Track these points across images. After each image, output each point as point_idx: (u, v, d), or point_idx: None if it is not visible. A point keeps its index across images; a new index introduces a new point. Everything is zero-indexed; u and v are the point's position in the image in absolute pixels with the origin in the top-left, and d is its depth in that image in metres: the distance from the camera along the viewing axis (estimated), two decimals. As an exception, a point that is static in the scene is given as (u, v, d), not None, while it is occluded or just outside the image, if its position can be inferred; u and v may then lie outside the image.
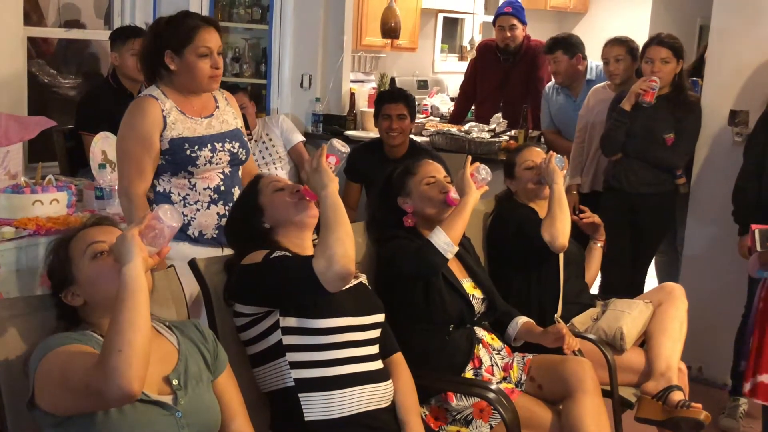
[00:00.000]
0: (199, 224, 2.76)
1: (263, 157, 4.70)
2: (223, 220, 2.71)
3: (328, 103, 5.49)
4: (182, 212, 2.73)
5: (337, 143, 2.18)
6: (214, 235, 2.77)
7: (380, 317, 2.27)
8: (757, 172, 3.52)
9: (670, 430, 2.85)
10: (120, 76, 4.08)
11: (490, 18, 5.85)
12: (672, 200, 4.07)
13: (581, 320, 3.10)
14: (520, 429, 2.36)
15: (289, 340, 2.10)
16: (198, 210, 2.76)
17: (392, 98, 4.27)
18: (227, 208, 2.76)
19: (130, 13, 4.99)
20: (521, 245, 3.00)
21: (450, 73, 7.78)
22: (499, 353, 2.64)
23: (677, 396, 2.82)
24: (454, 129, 5.05)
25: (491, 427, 2.44)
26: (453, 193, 2.64)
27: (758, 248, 2.88)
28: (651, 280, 4.52)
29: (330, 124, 5.41)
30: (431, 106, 6.43)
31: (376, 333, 2.24)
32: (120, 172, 2.73)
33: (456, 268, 2.69)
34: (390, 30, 5.90)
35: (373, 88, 5.96)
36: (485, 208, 3.23)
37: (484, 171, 2.69)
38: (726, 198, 3.70)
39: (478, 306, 2.66)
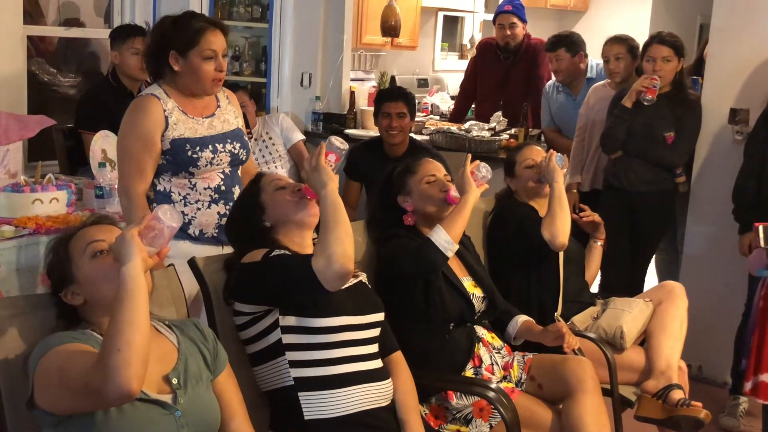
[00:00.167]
0: (199, 223, 2.75)
1: (263, 156, 4.70)
2: (224, 220, 2.71)
3: (328, 101, 5.49)
4: (183, 211, 2.73)
5: (336, 140, 2.17)
6: (215, 234, 2.77)
7: (380, 316, 2.26)
8: (758, 170, 3.52)
9: (671, 429, 2.85)
10: (120, 75, 4.08)
11: (491, 16, 5.85)
12: (672, 199, 4.06)
13: (581, 319, 3.10)
14: (519, 428, 2.36)
15: (288, 339, 2.10)
16: (198, 209, 2.75)
17: (392, 96, 4.27)
18: (228, 207, 2.75)
19: (130, 11, 4.99)
20: (521, 244, 2.99)
21: (450, 71, 7.78)
22: (499, 352, 2.64)
23: (677, 395, 2.82)
24: (454, 127, 5.05)
25: (491, 427, 2.44)
26: (453, 192, 2.64)
27: (762, 244, 2.88)
28: (651, 278, 4.52)
29: (330, 123, 5.40)
30: (431, 105, 6.43)
31: (375, 332, 2.24)
32: (120, 170, 2.72)
33: (456, 266, 2.69)
34: (390, 28, 5.90)
35: (373, 87, 5.96)
36: (485, 207, 3.23)
37: (484, 169, 2.69)
38: (726, 197, 3.69)
39: (479, 305, 2.66)
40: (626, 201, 4.02)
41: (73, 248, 1.81)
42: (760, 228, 2.89)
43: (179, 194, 2.74)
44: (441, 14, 7.67)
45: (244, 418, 1.93)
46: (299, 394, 2.08)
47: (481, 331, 2.64)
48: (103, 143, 3.52)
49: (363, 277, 2.33)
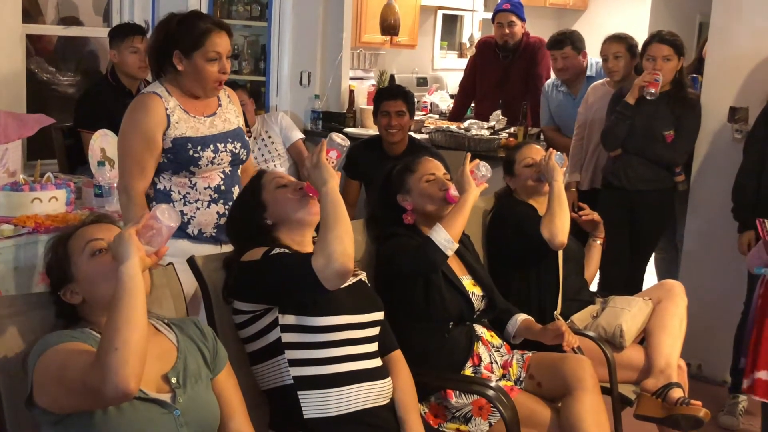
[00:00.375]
0: (198, 223, 2.75)
1: (262, 155, 4.70)
2: (223, 219, 2.71)
3: (328, 100, 5.49)
4: (182, 211, 2.72)
5: (337, 137, 2.17)
6: (213, 234, 2.77)
7: (379, 315, 2.26)
8: (757, 169, 3.53)
9: (670, 428, 2.85)
10: (119, 74, 4.08)
11: (490, 15, 5.85)
12: (671, 197, 4.07)
13: (581, 317, 3.10)
14: (519, 427, 2.36)
15: (288, 337, 2.09)
16: (198, 209, 2.75)
17: (391, 95, 4.26)
18: (227, 207, 2.75)
19: (128, 10, 4.99)
20: (521, 242, 2.99)
21: (449, 70, 7.78)
22: (498, 351, 2.64)
23: (677, 393, 2.82)
24: (453, 126, 5.05)
25: (490, 425, 2.44)
26: (453, 191, 2.64)
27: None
28: (651, 277, 4.52)
29: (329, 122, 5.40)
30: (430, 104, 6.43)
31: (375, 331, 2.24)
32: (121, 168, 2.72)
33: (456, 265, 2.69)
34: (389, 27, 5.90)
35: (373, 86, 5.95)
36: (485, 206, 3.23)
37: (484, 168, 2.69)
38: (725, 195, 3.70)
39: (478, 303, 2.66)
40: (625, 199, 4.01)
41: (72, 247, 1.81)
42: (767, 222, 2.90)
43: (179, 193, 2.74)
44: (440, 13, 7.67)
45: (243, 416, 1.93)
46: (299, 392, 2.08)
47: (480, 329, 2.64)
48: (102, 142, 3.52)
49: (362, 275, 2.33)
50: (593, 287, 3.53)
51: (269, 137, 4.75)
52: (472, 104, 5.74)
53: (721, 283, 4.00)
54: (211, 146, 2.71)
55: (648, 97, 3.82)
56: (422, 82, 7.19)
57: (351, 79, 5.68)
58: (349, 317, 2.15)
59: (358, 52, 6.38)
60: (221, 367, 1.92)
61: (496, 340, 2.67)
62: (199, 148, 2.68)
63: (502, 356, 2.63)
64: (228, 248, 2.43)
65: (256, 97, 5.34)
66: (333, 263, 1.97)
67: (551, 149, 3.11)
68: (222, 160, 2.75)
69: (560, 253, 3.05)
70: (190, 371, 1.81)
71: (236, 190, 2.80)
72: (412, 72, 7.21)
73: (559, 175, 2.99)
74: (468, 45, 7.85)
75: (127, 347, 1.56)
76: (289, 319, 2.09)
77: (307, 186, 2.19)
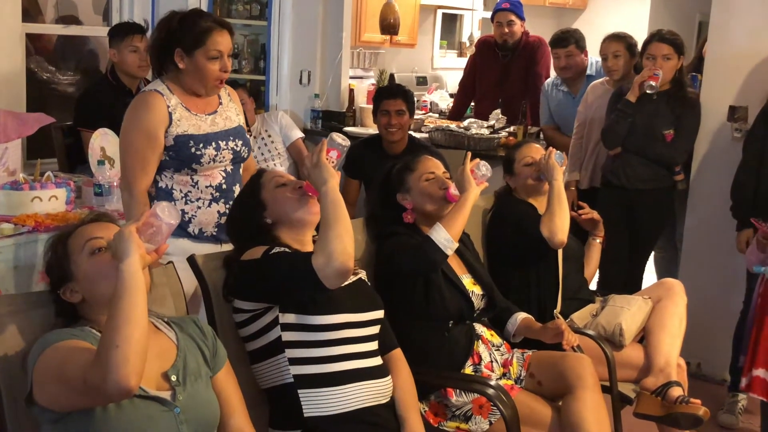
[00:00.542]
0: (199, 222, 2.76)
1: (262, 154, 4.70)
2: (223, 219, 2.71)
3: (327, 99, 5.49)
4: (183, 209, 2.73)
5: (337, 137, 2.17)
6: (214, 233, 2.77)
7: (379, 314, 2.26)
8: (756, 167, 3.53)
9: (670, 426, 2.85)
10: (118, 73, 4.07)
11: (489, 14, 5.85)
12: (670, 196, 4.07)
13: (580, 316, 3.10)
14: (519, 425, 2.36)
15: (288, 336, 2.10)
16: (199, 208, 2.76)
17: (391, 94, 4.26)
18: (227, 206, 2.75)
19: (128, 9, 4.99)
20: (520, 241, 2.99)
21: (449, 69, 7.78)
22: (498, 349, 2.64)
23: (676, 392, 2.82)
24: (453, 125, 5.05)
25: (490, 423, 2.44)
26: (453, 189, 2.64)
27: None
28: (650, 276, 4.52)
29: (329, 121, 5.40)
30: (430, 103, 6.43)
31: (375, 329, 2.24)
32: (123, 166, 2.72)
33: (455, 264, 2.69)
34: (389, 26, 5.90)
35: (372, 85, 5.96)
36: (484, 205, 3.23)
37: (484, 167, 2.69)
38: (725, 194, 3.70)
39: (478, 302, 2.66)
40: (624, 198, 4.02)
41: (72, 246, 1.81)
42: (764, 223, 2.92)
43: (181, 191, 2.74)
44: (440, 12, 7.68)
45: (243, 415, 1.93)
46: (299, 391, 2.08)
47: (480, 328, 2.65)
48: (102, 141, 3.51)
49: (362, 274, 2.33)
50: (593, 286, 3.53)
51: (269, 136, 4.76)
52: (472, 103, 5.74)
53: (721, 282, 4.01)
54: (213, 144, 2.72)
55: (648, 91, 3.82)
56: (422, 81, 7.19)
57: (351, 78, 5.68)
58: (349, 316, 2.15)
59: (358, 51, 6.38)
60: (221, 366, 1.92)
61: (496, 339, 2.67)
62: (201, 145, 2.69)
63: (502, 355, 2.63)
64: (228, 247, 2.43)
65: (256, 96, 5.35)
66: (333, 262, 1.97)
67: (551, 148, 3.11)
68: (224, 157, 2.75)
69: (560, 252, 3.05)
70: (189, 369, 1.81)
71: (237, 189, 2.80)
72: (411, 71, 7.21)
73: (558, 174, 2.99)
74: (468, 44, 7.85)
75: (128, 344, 1.56)
76: (290, 318, 2.09)
77: (307, 185, 2.19)
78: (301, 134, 4.86)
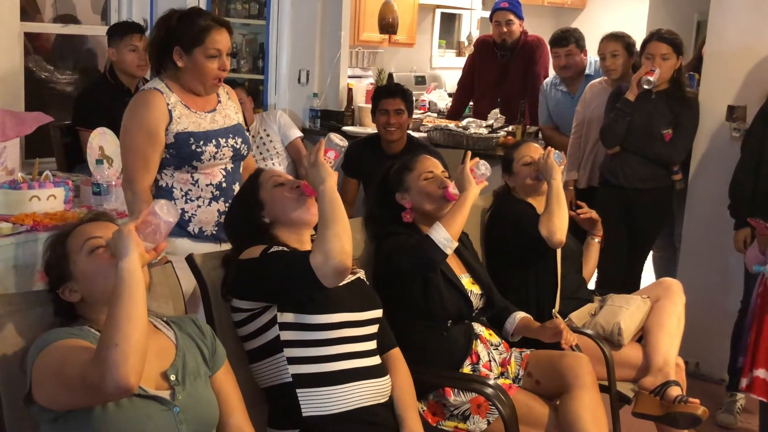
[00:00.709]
0: (199, 221, 2.76)
1: (261, 153, 4.70)
2: (223, 218, 2.71)
3: (326, 98, 5.49)
4: (183, 208, 2.73)
5: (335, 137, 2.17)
6: (214, 232, 2.78)
7: (378, 313, 2.26)
8: (754, 166, 3.53)
9: (668, 426, 2.85)
10: (117, 72, 4.07)
11: (488, 13, 5.85)
12: (668, 196, 4.07)
13: (579, 315, 3.11)
14: (517, 424, 2.36)
15: (286, 335, 2.10)
16: (199, 206, 2.76)
17: (389, 93, 4.27)
18: (227, 205, 2.75)
19: (127, 8, 4.99)
20: (519, 241, 2.99)
21: (448, 68, 7.78)
22: (496, 349, 2.64)
23: (675, 391, 2.83)
24: (451, 125, 5.05)
25: (489, 423, 2.44)
26: (452, 188, 2.64)
27: None
28: (649, 275, 4.53)
29: (327, 120, 5.40)
30: (429, 102, 6.43)
31: (373, 329, 2.24)
32: (125, 165, 2.72)
33: (454, 263, 2.69)
34: (388, 25, 5.90)
35: (371, 84, 5.96)
36: (483, 204, 3.23)
37: (483, 166, 2.69)
38: (723, 193, 3.70)
39: (476, 302, 2.66)
40: (623, 198, 4.02)
41: (71, 245, 1.81)
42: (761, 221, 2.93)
43: (181, 190, 2.74)
44: (438, 11, 7.68)
45: (242, 414, 1.93)
46: (297, 390, 2.08)
47: (478, 328, 2.65)
48: (100, 140, 3.51)
49: (361, 273, 2.33)
50: (591, 285, 3.53)
51: (267, 135, 4.75)
52: (471, 103, 5.75)
53: (719, 282, 4.01)
54: (213, 141, 2.72)
55: (645, 86, 3.81)
56: (420, 80, 7.19)
57: (349, 77, 5.68)
58: (348, 315, 2.15)
59: (357, 50, 6.38)
60: (220, 365, 1.93)
61: (495, 338, 2.67)
62: (201, 142, 2.69)
63: (501, 354, 2.64)
64: (228, 247, 2.43)
65: (255, 95, 5.35)
66: (331, 261, 1.97)
67: (550, 148, 3.11)
68: (224, 155, 2.75)
69: (558, 252, 3.05)
70: (189, 369, 1.81)
71: (237, 188, 2.80)
72: (410, 70, 7.21)
73: (557, 174, 2.99)
74: (466, 43, 7.85)
75: (128, 343, 1.56)
76: (288, 317, 2.09)
77: (304, 185, 2.19)
78: (299, 133, 4.86)
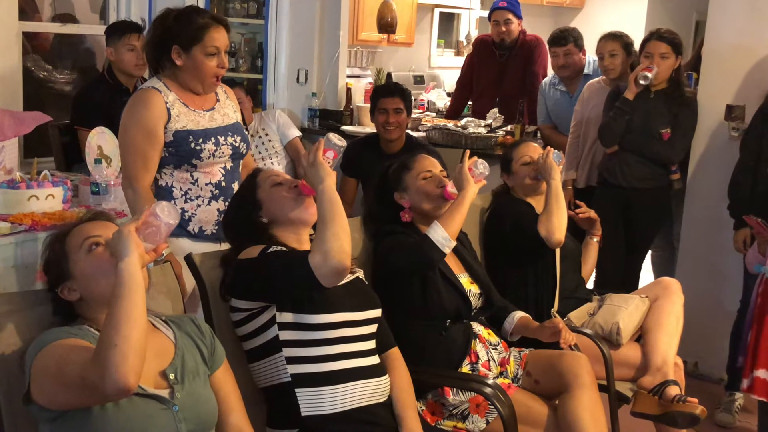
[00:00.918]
0: (199, 220, 2.76)
1: (259, 152, 4.70)
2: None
3: (325, 98, 5.49)
4: (183, 208, 2.73)
5: (334, 137, 2.17)
6: (214, 231, 2.78)
7: (377, 312, 2.26)
8: (753, 166, 3.53)
9: (667, 425, 2.85)
10: (116, 71, 4.07)
11: (487, 13, 5.86)
12: (666, 195, 4.07)
13: (578, 315, 3.11)
14: (516, 424, 2.36)
15: (285, 335, 2.10)
16: (199, 206, 2.76)
17: (388, 92, 4.27)
18: (227, 203, 2.75)
19: (125, 7, 4.98)
20: (518, 240, 2.99)
21: (446, 68, 7.79)
22: (495, 348, 2.64)
23: (673, 391, 2.83)
24: (450, 124, 5.06)
25: (488, 422, 2.44)
26: (450, 188, 2.64)
27: None
28: (647, 275, 4.53)
29: (326, 119, 5.40)
30: (428, 101, 6.43)
31: (372, 328, 2.24)
32: (124, 164, 2.72)
33: (453, 263, 2.69)
34: (386, 25, 5.91)
35: (370, 83, 5.96)
36: (482, 203, 3.23)
37: (482, 165, 2.69)
38: (722, 193, 3.71)
39: (475, 301, 2.66)
40: (621, 197, 4.02)
41: (70, 244, 1.81)
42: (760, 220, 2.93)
43: (181, 189, 2.74)
44: (437, 11, 7.68)
45: (241, 413, 1.93)
46: (296, 390, 2.08)
47: (477, 327, 2.65)
48: (99, 140, 3.51)
49: (360, 273, 2.33)
50: (590, 285, 3.54)
51: (266, 135, 4.75)
52: (469, 102, 5.75)
53: (718, 281, 4.01)
54: (212, 139, 2.72)
55: (641, 81, 3.81)
56: (419, 80, 7.19)
57: (348, 77, 5.68)
58: (347, 315, 2.15)
59: (355, 49, 6.38)
60: (219, 364, 1.93)
61: (494, 338, 2.67)
62: (200, 140, 2.69)
63: (500, 354, 2.64)
64: (228, 246, 2.43)
65: (253, 94, 5.34)
66: (330, 260, 1.97)
67: (549, 147, 3.11)
68: (223, 153, 2.75)
69: (557, 251, 3.05)
70: (188, 368, 1.81)
71: (236, 187, 2.80)
72: (409, 70, 7.21)
73: (556, 173, 2.99)
74: (465, 43, 7.85)
75: (127, 343, 1.56)
76: (287, 317, 2.09)
77: (303, 184, 2.19)
78: (298, 133, 4.86)
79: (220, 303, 2.20)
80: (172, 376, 1.77)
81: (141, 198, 2.64)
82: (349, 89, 5.49)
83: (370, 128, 4.88)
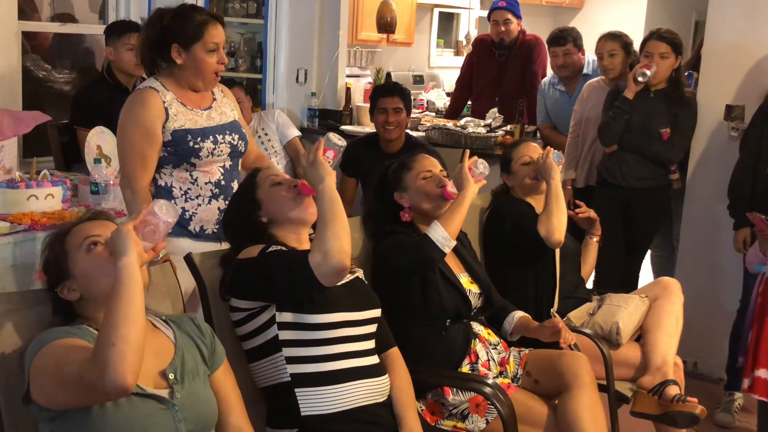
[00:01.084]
0: (200, 219, 2.76)
1: (259, 152, 4.69)
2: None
3: (324, 97, 5.49)
4: (183, 207, 2.73)
5: (334, 137, 2.17)
6: (215, 230, 2.77)
7: (376, 312, 2.26)
8: (753, 165, 3.53)
9: (666, 425, 2.85)
10: (115, 71, 4.07)
11: (486, 13, 5.86)
12: (666, 195, 4.07)
13: (577, 315, 3.11)
14: (516, 424, 2.36)
15: (285, 335, 2.09)
16: (199, 205, 2.76)
17: (388, 92, 4.27)
18: (227, 202, 2.75)
19: (125, 7, 4.98)
20: (518, 240, 2.99)
21: (446, 68, 7.79)
22: (495, 348, 2.64)
23: (673, 390, 2.83)
24: (450, 124, 5.06)
25: (487, 422, 2.44)
26: (450, 187, 2.64)
27: None
28: (647, 275, 4.53)
29: (326, 119, 5.40)
30: (427, 101, 6.44)
31: (372, 328, 2.24)
32: (123, 164, 2.72)
33: (453, 262, 2.69)
34: (386, 24, 5.91)
35: (369, 83, 5.96)
36: (482, 203, 3.23)
37: (482, 165, 2.68)
38: (722, 193, 3.71)
39: (475, 301, 2.66)
40: (620, 197, 4.02)
41: (70, 244, 1.80)
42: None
43: (180, 189, 2.74)
44: (437, 11, 7.68)
45: (241, 413, 1.93)
46: (296, 390, 2.08)
47: (477, 327, 2.64)
48: (98, 139, 3.51)
49: (359, 273, 2.33)
50: (589, 285, 3.53)
51: (266, 134, 4.75)
52: (469, 102, 5.75)
53: (718, 281, 4.01)
54: (211, 137, 2.72)
55: (639, 78, 3.81)
56: (419, 79, 7.19)
57: (347, 76, 5.68)
58: (347, 314, 2.15)
59: (355, 49, 6.38)
60: (219, 364, 1.92)
61: (493, 338, 2.67)
62: (198, 139, 2.69)
63: (499, 353, 2.63)
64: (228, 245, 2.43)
65: (253, 94, 5.35)
66: (330, 260, 1.97)
67: (549, 147, 3.11)
68: (222, 151, 2.75)
69: (557, 251, 3.05)
70: (187, 367, 1.81)
71: (236, 185, 2.81)
72: (408, 70, 7.21)
73: (556, 173, 2.99)
74: (464, 43, 7.85)
75: (125, 343, 1.55)
76: (287, 317, 2.09)
77: (302, 184, 2.19)
78: (297, 133, 4.85)
79: (220, 303, 2.20)
80: (171, 376, 1.76)
81: (139, 198, 2.64)
82: (348, 89, 5.49)
83: (369, 128, 4.88)
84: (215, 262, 2.25)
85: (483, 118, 5.06)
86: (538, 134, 4.94)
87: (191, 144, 2.68)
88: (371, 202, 2.84)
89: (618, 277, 4.01)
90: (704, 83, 4.03)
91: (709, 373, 4.08)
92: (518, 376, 2.62)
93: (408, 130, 4.48)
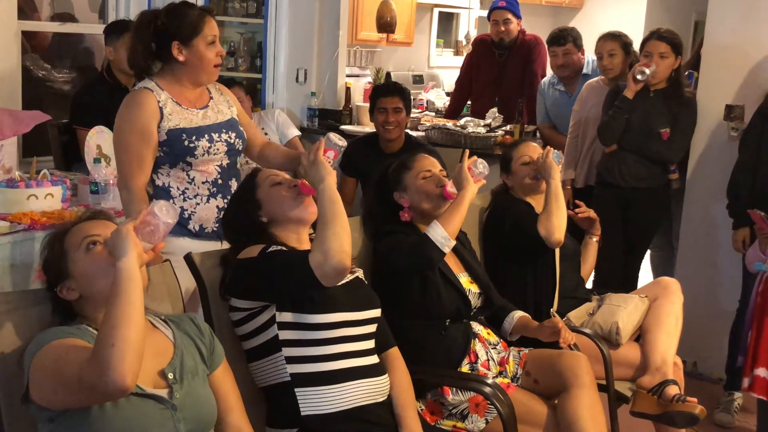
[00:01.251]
0: (199, 218, 2.76)
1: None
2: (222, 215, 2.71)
3: (324, 97, 5.49)
4: (182, 207, 2.73)
5: (334, 137, 2.17)
6: (215, 229, 2.78)
7: (376, 312, 2.26)
8: (752, 165, 3.53)
9: (666, 425, 2.85)
10: (115, 71, 4.07)
11: (486, 12, 5.85)
12: (666, 195, 4.07)
13: (577, 315, 3.11)
14: (516, 423, 2.36)
15: (285, 335, 2.09)
16: (198, 204, 2.76)
17: (388, 91, 4.27)
18: (226, 201, 2.76)
19: (124, 6, 4.98)
20: (517, 240, 2.99)
21: (445, 67, 7.78)
22: (495, 348, 2.64)
23: (672, 390, 2.83)
24: (449, 124, 5.06)
25: (487, 422, 2.44)
26: (450, 187, 2.64)
27: None
28: (646, 275, 4.53)
29: (325, 119, 5.40)
30: (427, 101, 6.43)
31: (372, 328, 2.24)
32: (119, 165, 2.72)
33: (452, 262, 2.69)
34: (385, 24, 5.91)
35: (369, 83, 5.96)
36: (481, 203, 3.23)
37: (481, 165, 2.68)
38: (721, 193, 3.71)
39: (475, 301, 2.66)
40: (619, 196, 4.02)
41: (69, 243, 1.80)
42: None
43: (178, 189, 2.74)
44: (436, 10, 7.68)
45: (241, 412, 1.93)
46: (296, 389, 2.08)
47: (477, 327, 2.64)
48: (98, 139, 3.51)
49: (359, 273, 2.33)
50: (589, 284, 3.53)
51: (266, 134, 4.74)
52: (469, 102, 5.75)
53: (717, 281, 4.01)
54: (206, 136, 2.72)
55: (638, 76, 3.81)
56: (418, 79, 7.19)
57: (347, 76, 5.68)
58: (346, 314, 2.15)
59: (355, 49, 6.37)
60: (218, 364, 1.92)
61: (493, 338, 2.67)
62: (193, 137, 2.69)
63: (499, 353, 2.63)
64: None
65: (253, 94, 5.34)
66: (330, 260, 1.97)
67: (549, 147, 3.11)
68: (218, 149, 2.76)
69: (557, 251, 3.05)
70: (187, 367, 1.81)
71: (234, 184, 2.81)
72: (408, 69, 7.21)
73: (556, 173, 2.99)
74: (464, 42, 7.85)
75: (125, 343, 1.55)
76: (286, 317, 2.09)
77: (302, 184, 2.19)
78: (297, 132, 4.85)
79: (220, 302, 2.20)
80: (171, 376, 1.76)
81: (135, 198, 2.65)
82: (348, 89, 5.49)
83: (369, 128, 4.88)
84: (215, 262, 2.25)
85: (483, 117, 5.06)
86: (538, 134, 4.94)
87: (186, 143, 2.68)
88: (371, 201, 2.84)
89: (617, 277, 4.01)
90: (704, 83, 4.03)
91: (708, 372, 4.08)
92: (518, 375, 2.62)
93: (408, 130, 4.48)
